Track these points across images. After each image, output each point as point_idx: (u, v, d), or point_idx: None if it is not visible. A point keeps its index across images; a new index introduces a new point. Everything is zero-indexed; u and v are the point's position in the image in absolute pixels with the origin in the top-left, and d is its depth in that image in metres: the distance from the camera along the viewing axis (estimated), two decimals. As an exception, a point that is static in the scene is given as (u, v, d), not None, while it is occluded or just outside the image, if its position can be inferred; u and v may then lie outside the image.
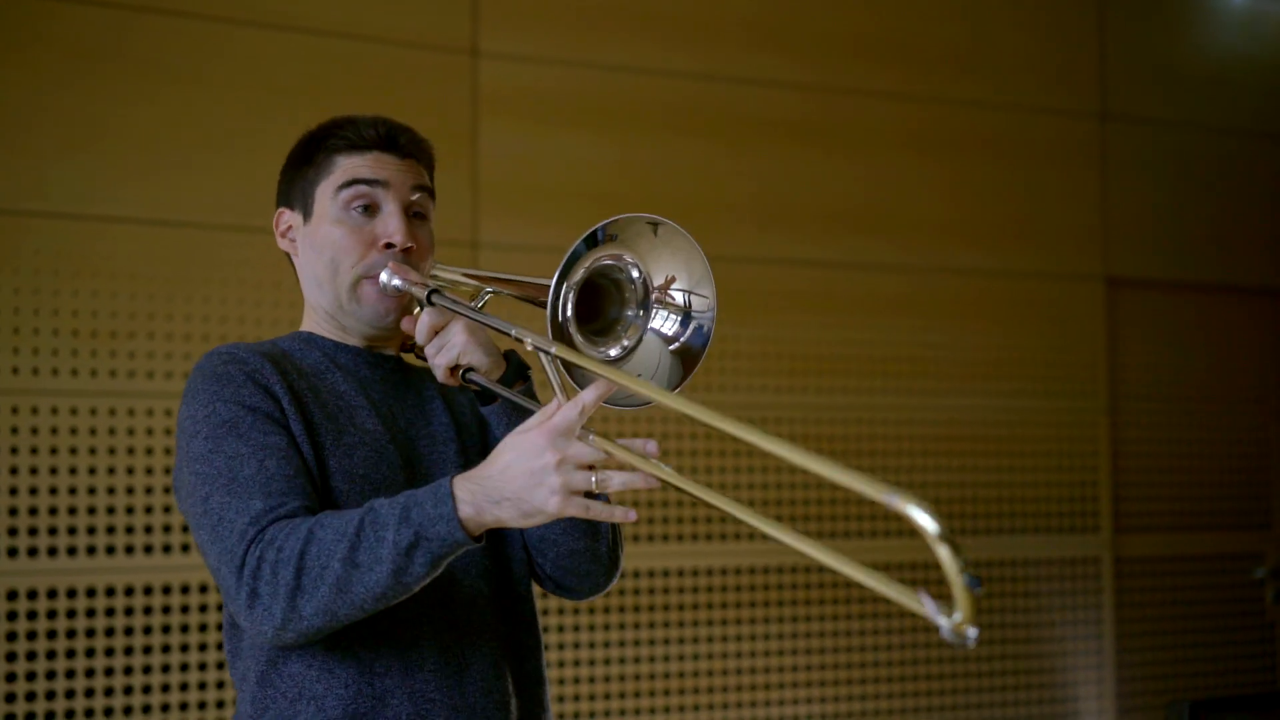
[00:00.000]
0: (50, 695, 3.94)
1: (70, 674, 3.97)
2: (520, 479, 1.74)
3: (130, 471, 4.07)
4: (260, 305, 4.22)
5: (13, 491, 3.94)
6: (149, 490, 4.09)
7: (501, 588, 2.11)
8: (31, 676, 3.92)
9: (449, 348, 2.04)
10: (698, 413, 1.67)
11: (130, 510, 4.07)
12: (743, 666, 4.86)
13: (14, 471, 3.95)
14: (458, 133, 4.56)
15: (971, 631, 1.38)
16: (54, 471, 4.00)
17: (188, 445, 1.95)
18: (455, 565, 2.01)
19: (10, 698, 3.90)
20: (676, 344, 1.94)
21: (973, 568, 1.35)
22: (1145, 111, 5.68)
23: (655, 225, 1.89)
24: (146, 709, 4.05)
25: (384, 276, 2.07)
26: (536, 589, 2.19)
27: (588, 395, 1.75)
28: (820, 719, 4.94)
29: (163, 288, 4.16)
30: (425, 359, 2.11)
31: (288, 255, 2.20)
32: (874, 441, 5.12)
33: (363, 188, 2.08)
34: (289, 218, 2.16)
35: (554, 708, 4.52)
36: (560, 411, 1.75)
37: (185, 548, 4.11)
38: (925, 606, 1.41)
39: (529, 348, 1.82)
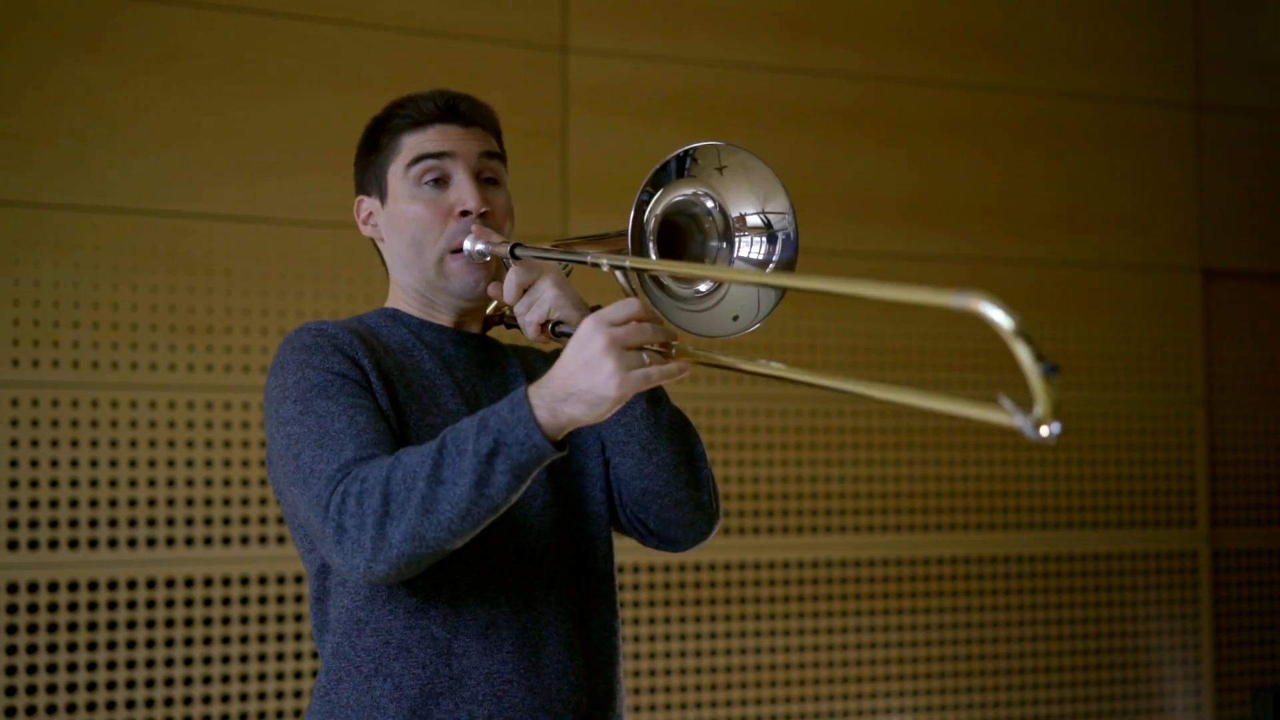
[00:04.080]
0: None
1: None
2: (578, 370, 1.75)
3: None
4: (353, 300, 4.27)
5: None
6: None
7: (580, 569, 2.11)
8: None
9: (539, 303, 2.02)
10: (782, 280, 1.76)
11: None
12: (825, 660, 4.84)
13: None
14: (547, 128, 4.59)
15: (1053, 427, 1.36)
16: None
17: (277, 411, 1.98)
18: (533, 548, 2.03)
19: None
20: (771, 265, 1.95)
21: (1050, 358, 1.34)
22: (1242, 101, 5.60)
23: (719, 152, 1.93)
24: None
25: (468, 243, 2.08)
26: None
27: (637, 301, 1.80)
28: (911, 711, 4.92)
29: (240, 283, 4.22)
30: (515, 323, 2.12)
31: (373, 241, 2.23)
32: (966, 435, 5.08)
33: (430, 161, 2.11)
34: (368, 204, 2.20)
35: (629, 698, 4.54)
36: (612, 305, 1.79)
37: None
38: (1005, 407, 1.41)
39: (605, 268, 1.87)
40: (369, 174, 2.19)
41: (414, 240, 2.11)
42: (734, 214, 1.95)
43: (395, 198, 2.13)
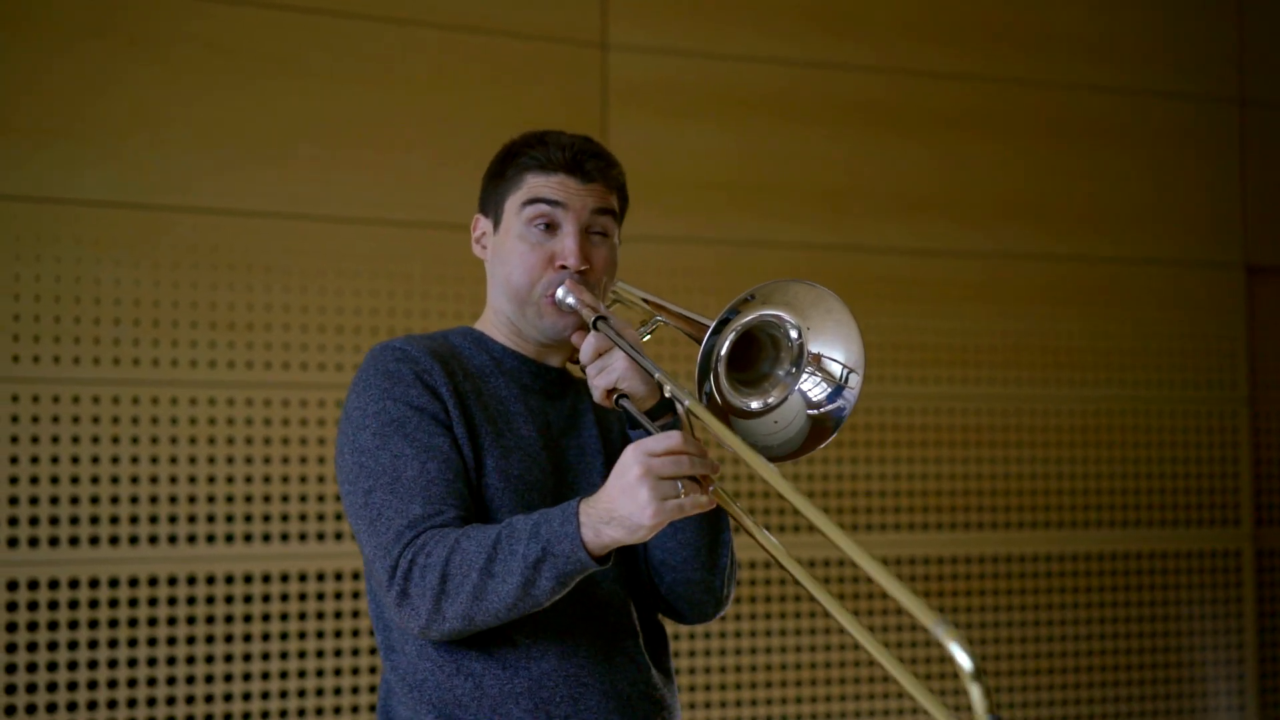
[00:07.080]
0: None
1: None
2: (619, 496, 1.87)
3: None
4: (393, 297, 4.27)
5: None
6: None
7: (636, 593, 2.24)
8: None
9: (609, 371, 2.12)
10: (799, 502, 1.83)
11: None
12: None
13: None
14: (587, 125, 4.58)
15: None
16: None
17: (355, 436, 2.09)
18: (596, 572, 2.10)
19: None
20: (816, 411, 2.03)
21: (997, 709, 1.50)
22: (1286, 96, 5.57)
23: (825, 297, 1.98)
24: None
25: (560, 292, 2.19)
26: None
27: (679, 434, 1.89)
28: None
29: (280, 279, 4.22)
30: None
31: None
32: (1007, 433, 5.06)
33: (544, 207, 2.20)
34: (483, 225, 2.31)
35: (682, 697, 4.54)
36: (652, 437, 1.88)
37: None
38: None
39: (668, 393, 1.96)
40: (490, 197, 2.30)
41: (513, 277, 2.22)
42: (812, 350, 2.01)
43: (507, 230, 2.24)
